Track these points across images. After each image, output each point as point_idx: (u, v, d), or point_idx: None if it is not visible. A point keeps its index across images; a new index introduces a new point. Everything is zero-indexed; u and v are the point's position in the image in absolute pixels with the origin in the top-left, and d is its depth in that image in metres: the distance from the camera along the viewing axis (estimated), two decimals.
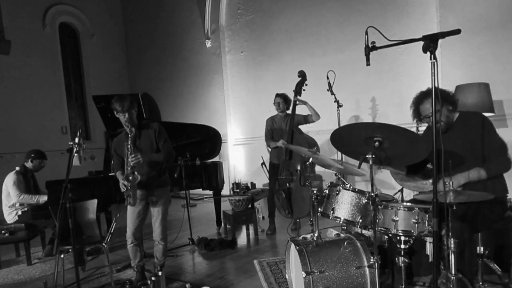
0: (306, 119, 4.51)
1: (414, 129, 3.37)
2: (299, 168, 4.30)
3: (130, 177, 2.86)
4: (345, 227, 2.76)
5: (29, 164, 4.27)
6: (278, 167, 4.49)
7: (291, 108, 4.44)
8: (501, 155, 2.36)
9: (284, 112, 4.53)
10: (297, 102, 4.37)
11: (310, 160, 2.72)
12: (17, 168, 4.22)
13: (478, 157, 2.38)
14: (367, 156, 2.16)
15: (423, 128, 3.13)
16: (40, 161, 4.30)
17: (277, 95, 4.57)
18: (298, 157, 4.33)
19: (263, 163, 4.90)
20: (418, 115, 2.53)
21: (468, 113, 2.54)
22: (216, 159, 5.32)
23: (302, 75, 4.41)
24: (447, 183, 2.00)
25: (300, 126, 4.61)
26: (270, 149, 4.70)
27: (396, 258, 2.25)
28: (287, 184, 4.38)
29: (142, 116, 5.06)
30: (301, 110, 4.51)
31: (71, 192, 2.55)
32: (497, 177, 2.42)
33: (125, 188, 2.91)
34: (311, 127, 4.77)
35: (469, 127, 2.44)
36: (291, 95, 4.48)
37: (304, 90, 4.41)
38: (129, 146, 2.92)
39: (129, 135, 2.97)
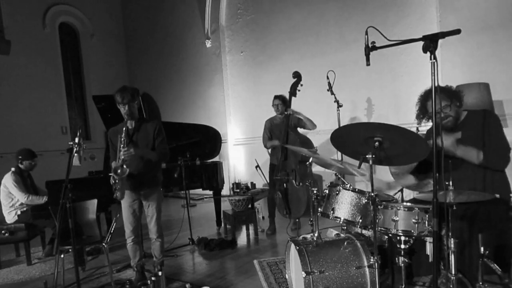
0: (300, 123, 4.47)
1: (414, 129, 3.36)
2: (294, 168, 4.29)
3: (119, 170, 2.85)
4: (345, 227, 2.76)
5: (21, 165, 4.24)
6: None
7: (284, 119, 4.38)
8: (502, 151, 2.35)
9: (283, 114, 4.47)
10: (290, 113, 4.30)
11: (311, 159, 2.73)
12: (13, 169, 4.20)
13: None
14: (367, 156, 2.16)
15: (422, 128, 3.13)
16: (29, 161, 4.24)
17: (275, 97, 4.54)
18: (293, 158, 4.33)
19: (257, 166, 4.91)
20: (425, 112, 2.53)
21: (475, 111, 2.56)
22: (216, 159, 5.31)
23: (297, 76, 4.39)
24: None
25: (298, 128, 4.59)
26: (269, 151, 4.69)
27: (396, 258, 2.25)
28: (284, 185, 4.38)
29: (143, 116, 5.05)
30: (300, 110, 4.48)
31: (71, 192, 2.55)
32: (498, 176, 2.41)
33: (113, 181, 2.92)
34: None
35: (474, 125, 2.45)
36: (288, 96, 4.46)
37: (299, 90, 4.38)
38: (122, 139, 2.91)
39: (124, 128, 2.97)
